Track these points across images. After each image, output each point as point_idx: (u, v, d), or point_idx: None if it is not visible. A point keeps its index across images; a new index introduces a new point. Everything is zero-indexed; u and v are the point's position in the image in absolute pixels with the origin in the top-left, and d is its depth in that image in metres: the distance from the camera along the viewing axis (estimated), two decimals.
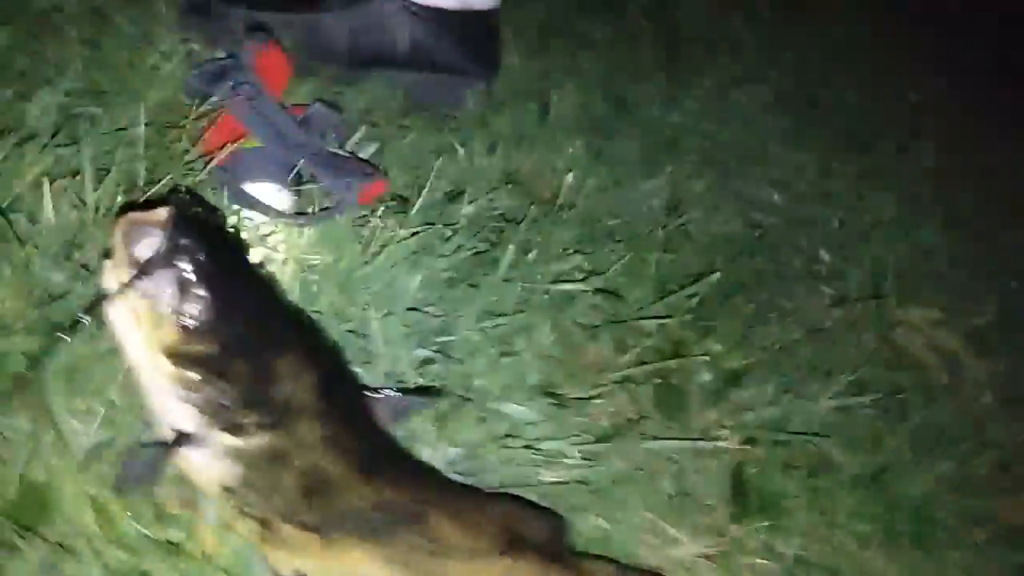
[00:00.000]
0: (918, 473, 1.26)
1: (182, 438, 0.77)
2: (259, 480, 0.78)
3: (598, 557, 0.95)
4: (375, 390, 0.87)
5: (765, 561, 1.09)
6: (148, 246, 0.76)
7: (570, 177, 1.44)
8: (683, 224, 1.55)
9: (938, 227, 1.93)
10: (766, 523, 1.12)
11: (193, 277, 0.75)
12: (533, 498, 0.97)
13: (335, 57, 1.48)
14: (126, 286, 0.75)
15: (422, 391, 1.02)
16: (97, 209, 0.98)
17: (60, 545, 0.76)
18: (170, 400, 0.76)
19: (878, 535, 1.17)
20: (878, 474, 1.25)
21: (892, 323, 1.63)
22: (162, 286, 0.75)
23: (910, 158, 2.18)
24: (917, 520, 1.20)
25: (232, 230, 0.99)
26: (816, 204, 1.87)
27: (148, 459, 0.77)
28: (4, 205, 0.94)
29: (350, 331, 1.05)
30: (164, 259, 0.75)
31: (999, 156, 2.42)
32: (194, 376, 0.76)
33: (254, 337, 0.79)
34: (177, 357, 0.75)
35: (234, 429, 0.77)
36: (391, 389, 0.90)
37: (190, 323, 0.75)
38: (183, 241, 0.75)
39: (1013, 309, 1.75)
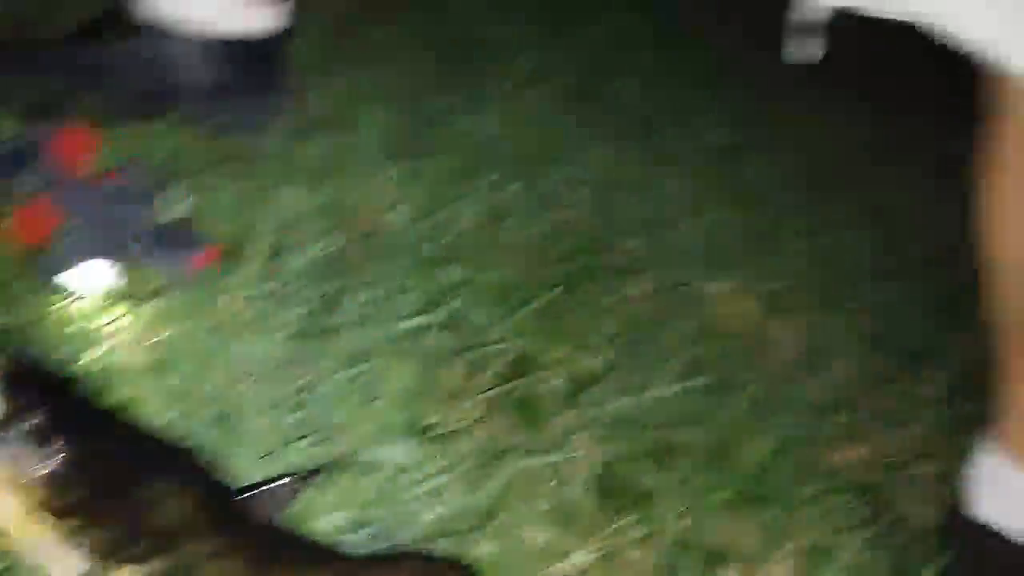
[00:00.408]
0: (756, 438, 1.39)
1: None
2: None
3: None
4: (252, 488, 0.88)
5: (641, 553, 1.17)
6: None
7: (393, 209, 1.45)
8: (501, 236, 1.60)
9: (726, 203, 2.09)
10: (636, 516, 1.20)
11: (43, 431, 0.73)
12: (431, 540, 1.00)
13: (127, 105, 1.41)
14: None
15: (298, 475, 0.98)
16: None
17: None
18: (60, 553, 0.74)
19: (736, 504, 1.28)
20: (723, 447, 1.36)
21: (700, 300, 1.76)
22: (14, 449, 0.72)
23: (697, 138, 2.33)
24: (763, 482, 1.32)
25: (65, 373, 0.93)
26: (615, 192, 1.96)
27: None
28: None
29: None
30: (7, 423, 0.72)
31: (790, 130, 2.61)
32: (76, 523, 0.73)
33: (122, 470, 0.79)
34: (53, 511, 0.73)
35: (131, 560, 0.76)
36: (268, 483, 0.89)
37: (55, 475, 0.73)
38: (22, 399, 0.74)
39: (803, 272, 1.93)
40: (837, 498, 1.34)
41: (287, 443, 1.03)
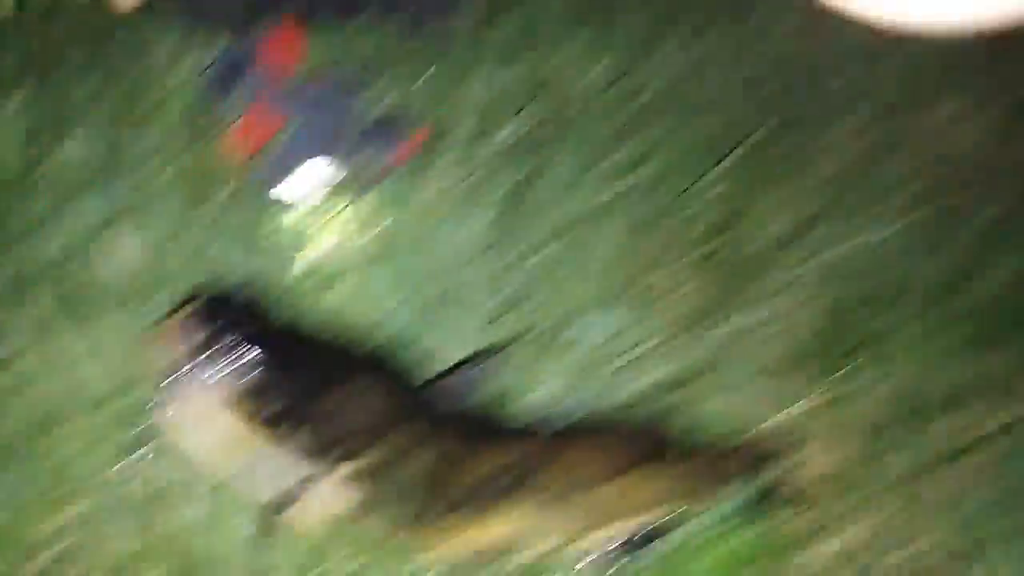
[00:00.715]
0: (991, 270, 1.29)
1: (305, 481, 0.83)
2: (382, 493, 0.86)
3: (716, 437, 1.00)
4: (445, 374, 0.94)
5: (874, 397, 1.13)
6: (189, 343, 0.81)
7: (587, 75, 1.43)
8: (701, 89, 1.54)
9: None
10: (866, 358, 1.16)
11: (240, 349, 0.81)
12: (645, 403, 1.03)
13: (324, 8, 1.46)
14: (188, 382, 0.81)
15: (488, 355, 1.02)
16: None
17: None
18: (274, 459, 0.82)
19: (969, 341, 1.21)
20: (953, 281, 1.28)
21: (923, 130, 1.61)
22: (217, 369, 0.81)
23: None
24: (1002, 316, 1.23)
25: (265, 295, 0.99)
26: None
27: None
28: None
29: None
30: (207, 347, 0.80)
31: None
32: (283, 430, 0.81)
33: (318, 375, 0.85)
34: (262, 420, 0.81)
35: (340, 459, 0.83)
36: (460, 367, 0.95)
37: (257, 387, 0.81)
38: (219, 323, 0.81)
39: None
40: None
41: (496, 320, 1.08)
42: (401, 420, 0.87)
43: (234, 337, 0.81)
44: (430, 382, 0.93)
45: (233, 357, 0.81)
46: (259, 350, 0.81)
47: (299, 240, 1.10)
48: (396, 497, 0.87)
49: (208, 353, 0.81)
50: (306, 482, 0.84)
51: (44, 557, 0.84)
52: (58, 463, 0.87)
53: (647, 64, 1.55)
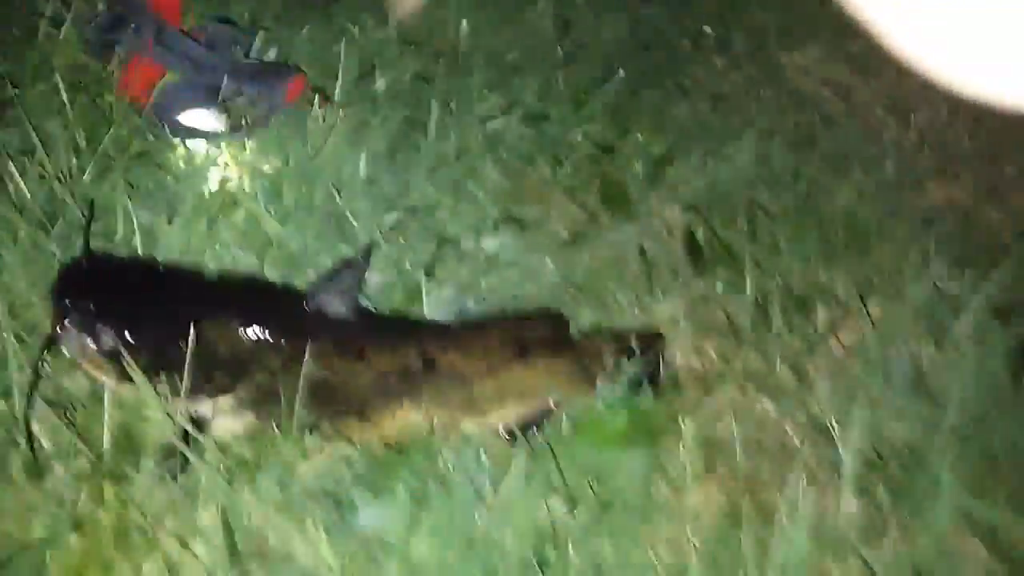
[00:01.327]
0: (838, 188, 1.42)
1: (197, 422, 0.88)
2: (272, 412, 0.91)
3: (596, 333, 1.10)
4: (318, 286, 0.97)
5: (732, 301, 1.24)
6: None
7: (464, 25, 1.51)
8: (576, 39, 1.64)
9: None
10: (726, 271, 1.27)
11: (86, 323, 0.86)
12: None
13: None
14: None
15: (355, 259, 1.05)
16: (65, 177, 1.05)
17: None
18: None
19: (816, 252, 1.34)
20: (803, 201, 1.41)
21: (781, 69, 1.76)
22: (73, 341, 0.86)
23: None
24: (847, 227, 1.37)
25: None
26: None
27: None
28: None
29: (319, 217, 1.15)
30: (61, 326, 0.86)
31: None
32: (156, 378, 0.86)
33: (174, 323, 0.88)
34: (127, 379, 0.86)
35: (221, 390, 0.88)
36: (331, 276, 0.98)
37: (114, 351, 0.86)
38: (66, 305, 0.87)
39: None
40: (921, 229, 1.36)
41: (388, 240, 1.15)
42: (278, 339, 0.91)
43: (85, 313, 0.86)
44: (310, 295, 0.96)
45: (87, 330, 0.86)
46: (110, 321, 0.86)
47: (189, 180, 1.14)
48: (284, 413, 0.91)
49: (67, 323, 0.86)
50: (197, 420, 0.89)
51: None
52: None
53: (513, 25, 1.66)
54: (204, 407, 0.88)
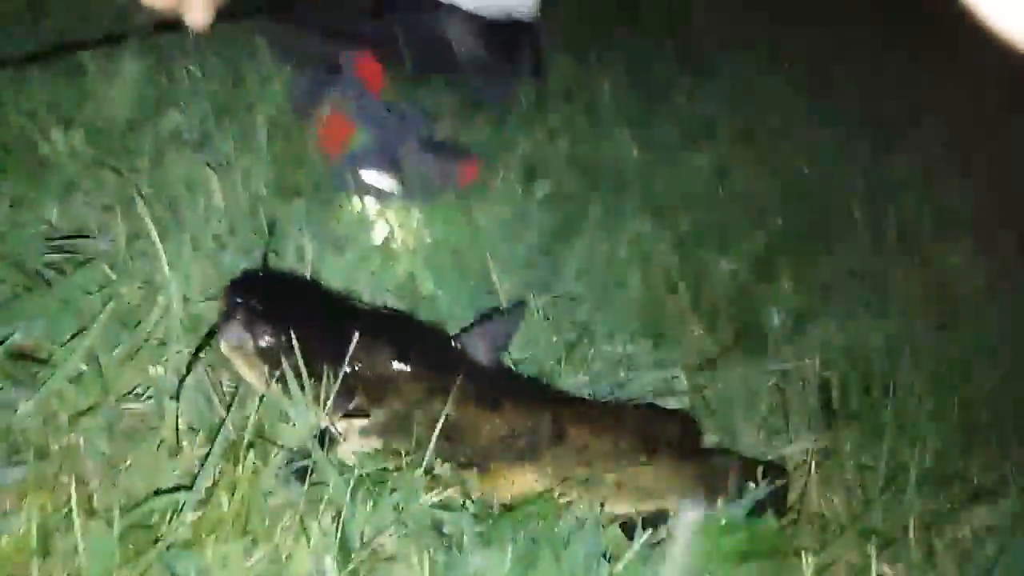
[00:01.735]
0: (981, 373, 1.39)
1: (323, 434, 0.88)
2: (399, 443, 0.90)
3: (725, 451, 1.07)
4: (466, 329, 0.97)
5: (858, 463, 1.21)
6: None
7: (632, 152, 1.58)
8: (730, 186, 1.69)
9: (955, 180, 2.08)
10: (855, 432, 1.24)
11: (252, 321, 0.89)
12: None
13: (401, 63, 1.63)
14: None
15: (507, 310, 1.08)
16: (254, 199, 1.12)
17: None
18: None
19: (957, 434, 1.29)
20: (944, 382, 1.38)
21: (927, 261, 1.77)
22: (234, 334, 0.89)
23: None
24: (990, 411, 1.32)
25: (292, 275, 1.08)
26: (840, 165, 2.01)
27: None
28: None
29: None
30: (227, 319, 0.89)
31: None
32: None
33: (328, 338, 0.90)
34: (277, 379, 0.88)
35: (358, 412, 0.89)
36: (481, 322, 0.98)
37: (267, 349, 0.88)
38: (237, 301, 0.90)
39: None
40: None
41: (532, 322, 1.16)
42: (414, 376, 0.91)
43: (248, 310, 0.89)
44: (459, 337, 0.96)
45: (247, 324, 0.89)
46: (269, 322, 0.89)
47: (359, 229, 1.20)
48: (412, 447, 0.90)
49: (233, 317, 0.89)
50: (328, 434, 0.90)
51: None
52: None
53: (675, 166, 1.73)
54: (340, 424, 0.89)
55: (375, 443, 0.91)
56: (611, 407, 1.04)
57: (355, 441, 0.90)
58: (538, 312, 1.15)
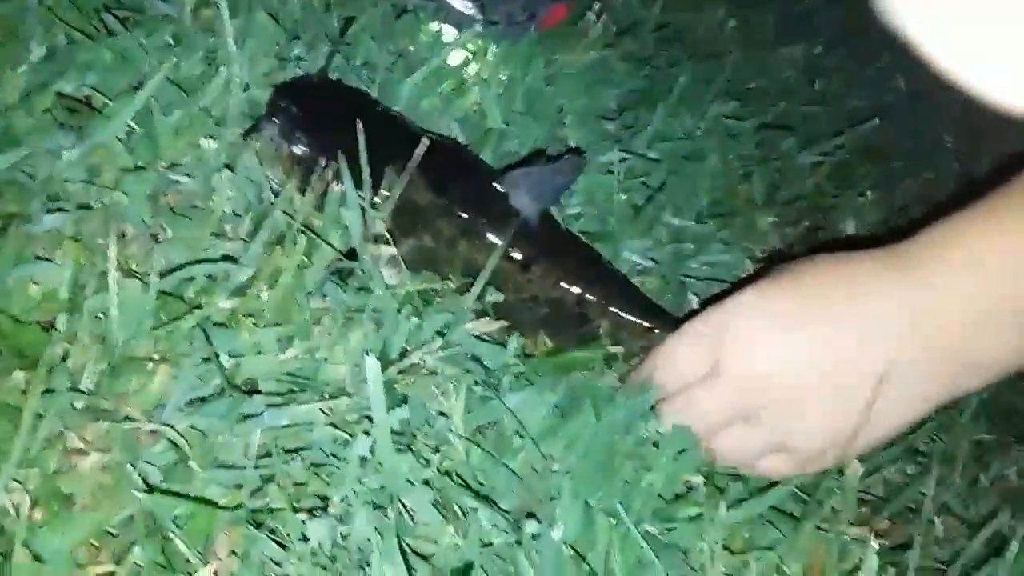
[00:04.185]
0: None
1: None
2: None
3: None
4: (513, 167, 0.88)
5: None
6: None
7: (730, 24, 1.48)
8: (823, 88, 1.59)
9: None
10: None
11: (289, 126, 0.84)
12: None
13: None
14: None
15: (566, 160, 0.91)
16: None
17: None
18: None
19: None
20: None
21: None
22: (267, 135, 0.85)
23: None
24: None
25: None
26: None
27: None
28: None
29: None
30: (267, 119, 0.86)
31: None
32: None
33: (368, 155, 0.82)
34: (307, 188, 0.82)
35: (385, 238, 0.82)
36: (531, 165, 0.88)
37: (299, 156, 0.84)
38: (279, 103, 0.86)
39: None
40: None
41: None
42: (459, 210, 0.85)
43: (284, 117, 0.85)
44: (508, 177, 0.87)
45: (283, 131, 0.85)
46: (304, 129, 0.84)
47: (432, 51, 1.12)
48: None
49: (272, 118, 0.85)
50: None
51: None
52: None
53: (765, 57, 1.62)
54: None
55: (397, 279, 0.84)
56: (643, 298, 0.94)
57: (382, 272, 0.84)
58: (611, 170, 1.09)
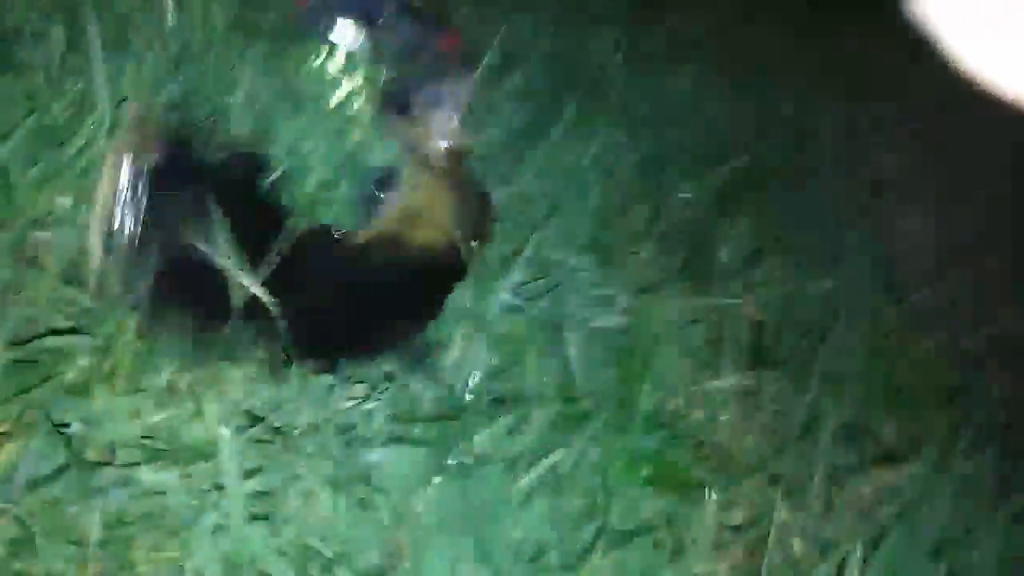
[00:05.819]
0: (916, 348, 1.40)
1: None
2: None
3: None
4: None
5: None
6: None
7: (616, 58, 1.51)
8: (709, 115, 1.64)
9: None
10: (780, 378, 1.23)
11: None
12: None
13: None
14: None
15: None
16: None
17: None
18: None
19: (879, 396, 1.30)
20: (876, 343, 1.38)
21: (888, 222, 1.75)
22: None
23: None
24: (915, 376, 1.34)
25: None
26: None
27: None
28: None
29: None
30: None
31: None
32: None
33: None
34: None
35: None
36: None
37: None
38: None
39: None
40: None
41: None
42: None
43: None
44: None
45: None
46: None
47: (320, 84, 1.12)
48: None
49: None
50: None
51: None
52: None
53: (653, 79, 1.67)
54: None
55: None
56: None
57: None
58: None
